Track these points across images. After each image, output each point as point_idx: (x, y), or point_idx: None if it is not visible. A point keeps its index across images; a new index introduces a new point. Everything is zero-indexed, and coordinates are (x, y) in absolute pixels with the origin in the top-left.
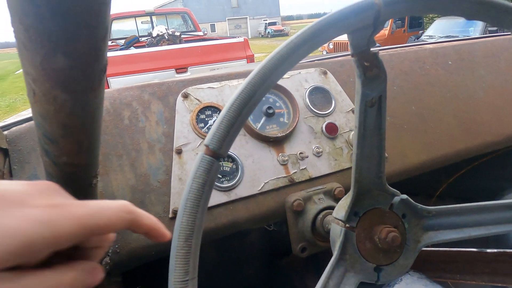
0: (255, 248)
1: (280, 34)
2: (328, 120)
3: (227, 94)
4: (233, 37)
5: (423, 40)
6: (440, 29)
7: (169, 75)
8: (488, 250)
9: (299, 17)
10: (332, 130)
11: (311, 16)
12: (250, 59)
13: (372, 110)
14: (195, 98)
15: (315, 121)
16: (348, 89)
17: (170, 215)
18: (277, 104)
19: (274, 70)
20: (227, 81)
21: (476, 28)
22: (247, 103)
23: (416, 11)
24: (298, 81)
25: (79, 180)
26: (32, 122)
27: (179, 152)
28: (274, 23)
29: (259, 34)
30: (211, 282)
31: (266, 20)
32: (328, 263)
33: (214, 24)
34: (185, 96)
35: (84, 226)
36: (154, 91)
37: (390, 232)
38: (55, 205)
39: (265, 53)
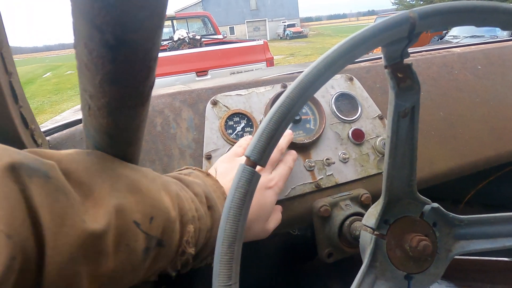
0: (279, 251)
1: (299, 36)
2: (354, 126)
3: (254, 101)
4: (253, 40)
5: (447, 41)
6: (465, 29)
7: (190, 79)
8: None
9: (318, 19)
10: (358, 136)
11: (331, 17)
12: (270, 61)
13: (405, 120)
14: (224, 105)
15: (341, 127)
16: (374, 95)
17: None
18: (304, 111)
19: (311, 85)
20: (254, 88)
21: None
22: (285, 116)
23: (451, 23)
24: (324, 88)
25: None
26: (72, 129)
27: (208, 157)
28: (293, 25)
29: (278, 36)
30: None
31: (285, 22)
32: (351, 269)
33: (233, 27)
34: (214, 103)
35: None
36: (185, 98)
37: (422, 241)
38: (272, 184)
39: (284, 55)
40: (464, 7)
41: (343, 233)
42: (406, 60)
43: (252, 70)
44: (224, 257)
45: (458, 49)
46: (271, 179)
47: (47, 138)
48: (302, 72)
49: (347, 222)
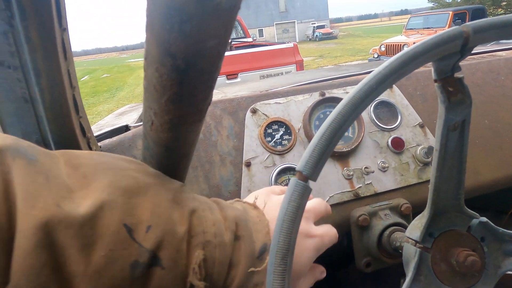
0: None
1: (328, 37)
2: (394, 134)
3: (293, 109)
4: (283, 43)
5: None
6: None
7: (220, 82)
8: None
9: (349, 19)
10: (398, 145)
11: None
12: (300, 64)
13: (454, 134)
14: (263, 113)
15: (380, 135)
16: (414, 103)
17: None
18: None
19: (362, 101)
20: (292, 96)
21: None
22: (336, 132)
23: (505, 37)
24: None
25: None
26: (121, 136)
27: (248, 165)
28: (322, 26)
29: (307, 37)
30: None
31: (314, 23)
32: (385, 279)
33: (262, 29)
34: (254, 111)
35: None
36: (225, 106)
37: (469, 256)
38: (316, 234)
39: (313, 56)
40: None
41: (382, 243)
42: (457, 74)
43: (282, 73)
44: (278, 269)
45: (504, 53)
46: (316, 229)
47: (99, 144)
48: (337, 77)
49: (387, 232)
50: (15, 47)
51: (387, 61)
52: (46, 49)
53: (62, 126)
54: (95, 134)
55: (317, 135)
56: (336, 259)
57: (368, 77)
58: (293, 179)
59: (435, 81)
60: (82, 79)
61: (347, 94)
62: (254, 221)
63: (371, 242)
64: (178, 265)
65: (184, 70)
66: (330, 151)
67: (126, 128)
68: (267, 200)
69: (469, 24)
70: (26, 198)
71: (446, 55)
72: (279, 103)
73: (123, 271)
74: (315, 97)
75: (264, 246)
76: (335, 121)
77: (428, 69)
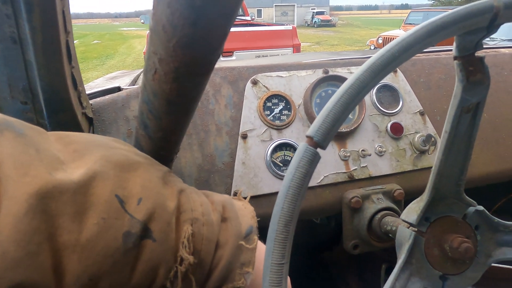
0: (299, 238)
1: (327, 24)
2: (394, 119)
3: (295, 84)
4: (281, 24)
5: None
6: (503, 31)
7: None
8: None
9: (349, 8)
10: (397, 131)
11: (361, 8)
12: (297, 48)
13: (467, 116)
14: (264, 85)
15: (380, 119)
16: (417, 90)
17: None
18: None
19: (383, 68)
20: (295, 71)
21: None
22: (354, 99)
23: None
24: None
25: (165, 154)
26: (114, 95)
27: (244, 137)
28: (321, 13)
29: (305, 23)
30: None
31: (314, 9)
32: (368, 264)
33: (261, 10)
34: (254, 82)
35: None
36: (226, 75)
37: (464, 243)
38: None
39: (310, 42)
40: None
41: (372, 226)
42: (478, 53)
43: (278, 55)
44: (280, 236)
45: (506, 50)
46: None
47: (90, 102)
48: (341, 58)
49: (378, 216)
50: None
51: (413, 29)
52: None
53: (53, 74)
54: (88, 92)
55: (332, 100)
56: (323, 241)
57: (390, 44)
58: (303, 144)
59: (455, 58)
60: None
61: (351, 74)
62: (240, 207)
63: (362, 225)
64: (168, 238)
65: (201, 7)
66: (344, 118)
67: (118, 89)
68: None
69: None
70: (17, 167)
71: (472, 30)
72: (281, 76)
73: (116, 241)
74: (318, 74)
75: (251, 228)
76: (352, 87)
77: (434, 57)
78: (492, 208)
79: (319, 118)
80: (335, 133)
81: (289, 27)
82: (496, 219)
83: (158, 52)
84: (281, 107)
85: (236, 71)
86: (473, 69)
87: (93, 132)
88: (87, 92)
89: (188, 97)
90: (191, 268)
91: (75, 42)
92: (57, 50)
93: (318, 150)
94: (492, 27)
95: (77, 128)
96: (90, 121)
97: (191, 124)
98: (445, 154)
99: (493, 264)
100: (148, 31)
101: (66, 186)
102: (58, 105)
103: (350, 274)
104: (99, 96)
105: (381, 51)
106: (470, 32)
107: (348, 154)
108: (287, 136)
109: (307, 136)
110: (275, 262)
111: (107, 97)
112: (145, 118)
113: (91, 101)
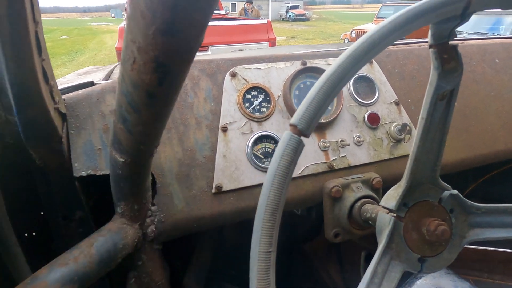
0: (280, 230)
1: (301, 18)
2: (370, 110)
3: (273, 76)
4: (257, 19)
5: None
6: (469, 25)
7: None
8: None
9: (322, 3)
10: (374, 120)
11: (335, 2)
12: (272, 42)
13: (442, 103)
14: (243, 78)
15: (358, 110)
16: (392, 80)
17: (213, 191)
18: None
19: (365, 55)
20: (274, 63)
21: (508, 26)
22: (336, 86)
23: (506, 5)
24: None
25: (145, 149)
26: (89, 89)
27: (224, 130)
28: (296, 7)
29: (280, 17)
30: (230, 259)
31: (288, 3)
32: (350, 253)
33: (235, 4)
34: (233, 75)
35: None
36: (204, 67)
37: (440, 226)
38: None
39: (285, 37)
40: None
41: (353, 214)
42: (452, 42)
43: (254, 49)
44: (267, 224)
45: (473, 42)
46: None
47: (63, 96)
48: (319, 50)
49: (358, 204)
50: None
51: (391, 17)
52: None
53: (22, 67)
54: (61, 87)
55: (315, 87)
56: (303, 232)
57: (371, 31)
58: (287, 133)
59: (431, 46)
60: None
61: (329, 65)
62: None
63: (342, 213)
64: None
65: None
66: (327, 106)
67: (92, 84)
68: None
69: None
70: None
71: (447, 18)
72: (260, 68)
73: None
74: (297, 65)
75: None
76: (334, 74)
77: (407, 48)
78: (463, 193)
79: (302, 106)
80: (318, 120)
81: (264, 21)
82: (469, 202)
83: (136, 40)
84: (260, 99)
85: (214, 63)
86: (448, 57)
87: (67, 128)
88: (59, 87)
89: (170, 88)
90: None
91: None
92: (26, 41)
93: (302, 138)
94: (465, 15)
95: (49, 124)
96: (63, 116)
97: (170, 118)
98: (422, 141)
99: (465, 246)
100: (121, 24)
101: None
102: (28, 100)
103: (331, 263)
104: (72, 91)
105: (363, 37)
106: (444, 20)
107: (328, 144)
108: (267, 128)
109: (291, 125)
110: (263, 250)
111: (80, 91)
112: (123, 111)
113: (63, 96)
